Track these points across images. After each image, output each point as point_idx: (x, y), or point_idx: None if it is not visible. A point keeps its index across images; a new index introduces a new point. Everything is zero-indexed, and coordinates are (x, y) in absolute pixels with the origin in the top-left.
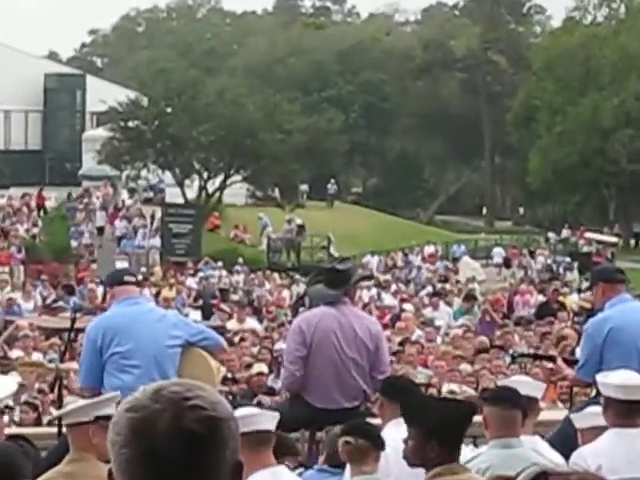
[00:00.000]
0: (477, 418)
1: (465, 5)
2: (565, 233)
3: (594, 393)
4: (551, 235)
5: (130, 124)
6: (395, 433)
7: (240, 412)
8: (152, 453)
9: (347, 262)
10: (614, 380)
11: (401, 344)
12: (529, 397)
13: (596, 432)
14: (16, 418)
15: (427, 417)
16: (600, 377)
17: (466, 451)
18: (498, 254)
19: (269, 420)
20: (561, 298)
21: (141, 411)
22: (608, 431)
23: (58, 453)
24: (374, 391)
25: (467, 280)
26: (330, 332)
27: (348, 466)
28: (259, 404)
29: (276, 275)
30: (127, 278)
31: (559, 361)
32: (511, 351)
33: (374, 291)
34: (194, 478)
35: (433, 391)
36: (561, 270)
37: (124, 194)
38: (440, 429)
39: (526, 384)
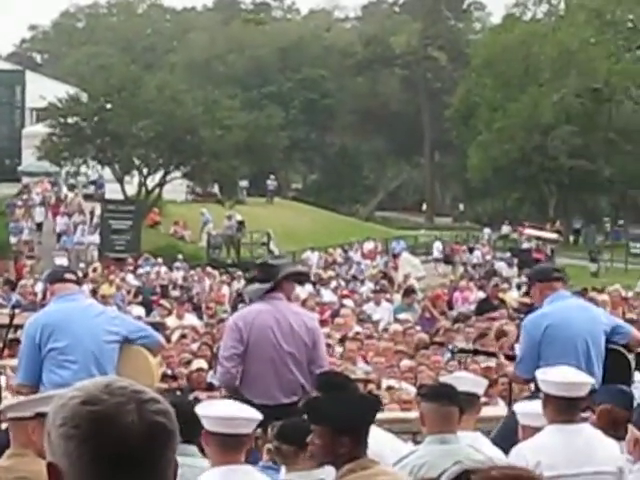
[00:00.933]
0: (416, 414)
1: (405, 2)
2: (505, 229)
3: (533, 388)
4: (487, 231)
5: (70, 120)
6: None
7: (216, 411)
8: (120, 445)
9: (282, 259)
10: (553, 377)
11: (341, 340)
12: (469, 393)
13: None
14: None
15: (336, 414)
16: (539, 374)
17: (405, 447)
18: (437, 249)
19: (251, 425)
20: (501, 294)
21: (101, 404)
22: (547, 427)
23: None
24: (312, 386)
25: (405, 276)
26: (267, 328)
27: (282, 467)
28: (196, 400)
29: (216, 272)
30: (67, 276)
31: (501, 358)
32: (450, 346)
33: (311, 288)
34: (156, 470)
35: (372, 387)
36: (501, 266)
37: (64, 190)
38: (351, 425)
39: (467, 380)
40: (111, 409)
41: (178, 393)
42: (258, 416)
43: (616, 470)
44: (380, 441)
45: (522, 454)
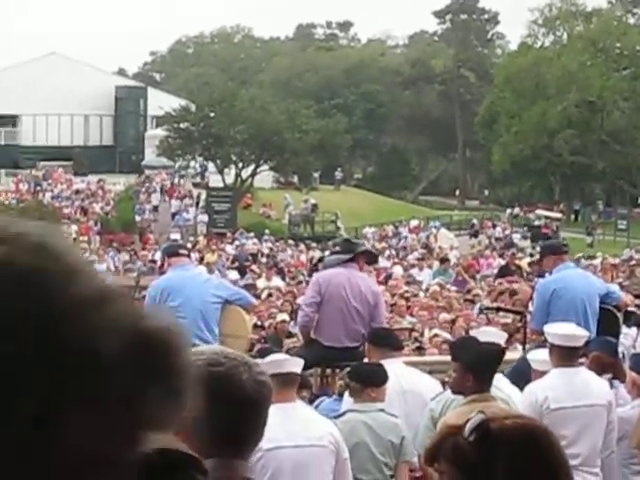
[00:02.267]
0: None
1: (442, 32)
2: (516, 210)
3: (543, 339)
4: (508, 211)
5: (181, 126)
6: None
7: (271, 357)
8: (241, 399)
9: (359, 240)
10: (557, 330)
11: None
12: (492, 343)
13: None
14: None
15: (466, 354)
16: (547, 328)
17: (438, 385)
18: (474, 225)
19: (294, 365)
20: (517, 261)
21: (223, 366)
22: (552, 370)
23: None
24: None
25: (442, 247)
26: (340, 287)
27: (346, 395)
28: (280, 344)
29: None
30: (181, 251)
31: (528, 317)
32: (479, 304)
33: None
34: (262, 413)
35: (416, 334)
36: (517, 239)
37: (177, 179)
38: (475, 365)
39: (491, 333)
40: (231, 370)
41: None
42: (300, 361)
43: (606, 403)
44: (420, 381)
45: (533, 391)
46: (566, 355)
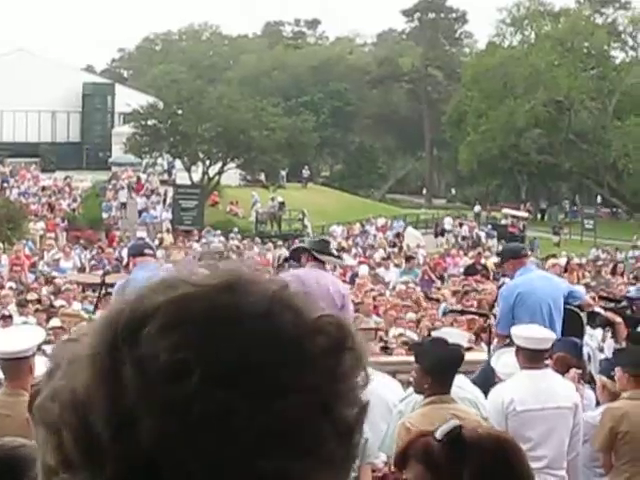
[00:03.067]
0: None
1: (411, 31)
2: (476, 209)
3: (507, 341)
4: (476, 208)
5: (149, 123)
6: None
7: None
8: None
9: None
10: (524, 333)
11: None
12: (455, 344)
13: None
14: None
15: (426, 358)
16: (513, 330)
17: (405, 390)
18: (448, 223)
19: None
20: (483, 261)
21: None
22: (518, 372)
23: None
24: None
25: (409, 246)
26: (307, 287)
27: None
28: None
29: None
30: (146, 251)
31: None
32: (443, 306)
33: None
34: None
35: (381, 334)
36: (484, 238)
37: (144, 177)
38: (434, 368)
39: (453, 334)
40: None
41: None
42: None
43: (572, 405)
44: (382, 382)
45: (499, 393)
46: (532, 357)
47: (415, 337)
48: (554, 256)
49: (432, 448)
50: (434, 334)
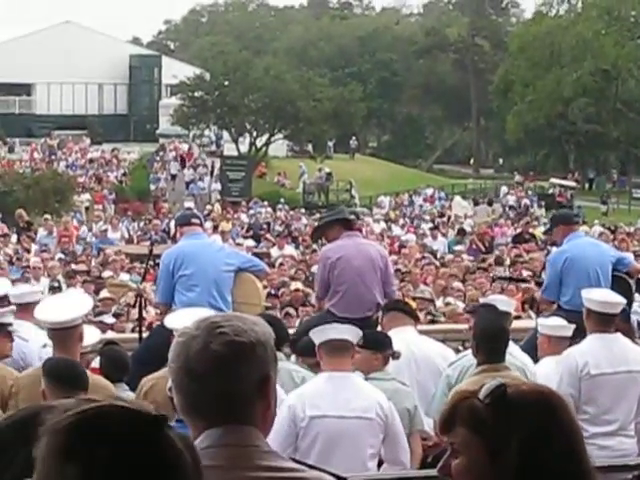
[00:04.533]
0: (465, 325)
1: (457, 1)
2: (517, 178)
3: (555, 307)
4: (517, 177)
5: (196, 94)
6: (396, 339)
7: (325, 327)
8: (187, 369)
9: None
10: (596, 297)
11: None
12: (504, 312)
13: (559, 341)
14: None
15: (475, 327)
16: (584, 293)
17: (453, 353)
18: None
19: (342, 332)
20: (531, 230)
21: (184, 336)
22: (590, 336)
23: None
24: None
25: (457, 215)
26: (350, 258)
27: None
28: (287, 315)
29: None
30: (193, 220)
31: (532, 284)
32: (492, 274)
33: (384, 224)
34: (220, 389)
35: (438, 304)
36: (531, 207)
37: (193, 148)
38: (482, 335)
39: (501, 302)
40: (186, 340)
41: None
42: (359, 331)
43: None
44: (432, 349)
45: (572, 356)
46: (604, 321)
47: (462, 306)
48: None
49: (477, 409)
50: (482, 301)
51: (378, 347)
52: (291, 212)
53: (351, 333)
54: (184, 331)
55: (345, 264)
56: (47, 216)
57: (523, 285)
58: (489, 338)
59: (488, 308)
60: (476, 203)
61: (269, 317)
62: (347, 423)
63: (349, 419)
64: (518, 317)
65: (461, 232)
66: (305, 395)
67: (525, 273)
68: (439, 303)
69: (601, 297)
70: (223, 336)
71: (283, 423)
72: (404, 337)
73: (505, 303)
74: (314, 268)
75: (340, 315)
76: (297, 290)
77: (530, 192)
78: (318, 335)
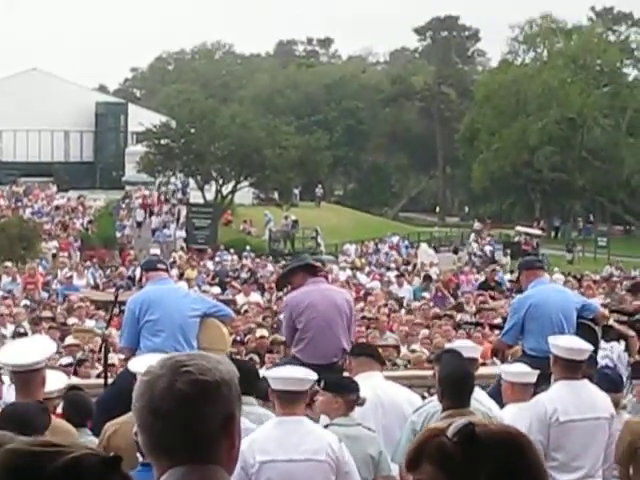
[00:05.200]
0: (430, 372)
1: (423, 49)
2: (477, 226)
3: (520, 353)
4: (476, 225)
5: (162, 142)
6: (364, 384)
7: (277, 373)
8: (151, 407)
9: (301, 256)
10: (563, 343)
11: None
12: (470, 358)
13: (523, 387)
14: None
15: (440, 371)
16: (552, 339)
17: (420, 399)
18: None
19: (298, 383)
20: (496, 278)
21: (148, 375)
22: (557, 382)
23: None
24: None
25: (422, 263)
26: (316, 305)
27: (322, 416)
28: (251, 360)
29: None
30: (159, 265)
31: (486, 328)
32: (458, 318)
33: (350, 272)
34: (184, 428)
35: (403, 351)
36: (496, 255)
37: (157, 196)
38: (447, 381)
39: (466, 348)
40: (151, 380)
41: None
42: (312, 376)
43: (609, 416)
44: (399, 394)
45: (541, 403)
46: (571, 368)
47: (427, 353)
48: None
49: (445, 446)
50: (447, 346)
51: (339, 390)
52: (257, 259)
53: (303, 380)
54: (148, 370)
55: (311, 310)
56: (8, 263)
57: (496, 332)
58: (454, 383)
59: (453, 354)
60: (440, 251)
61: (240, 362)
62: (297, 466)
63: (298, 462)
64: (484, 364)
65: (427, 279)
66: (255, 441)
67: (496, 320)
68: (404, 350)
69: (568, 344)
70: (188, 375)
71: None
72: (371, 382)
73: (471, 349)
74: (281, 315)
75: (306, 361)
76: (263, 337)
77: (495, 240)
78: (271, 381)
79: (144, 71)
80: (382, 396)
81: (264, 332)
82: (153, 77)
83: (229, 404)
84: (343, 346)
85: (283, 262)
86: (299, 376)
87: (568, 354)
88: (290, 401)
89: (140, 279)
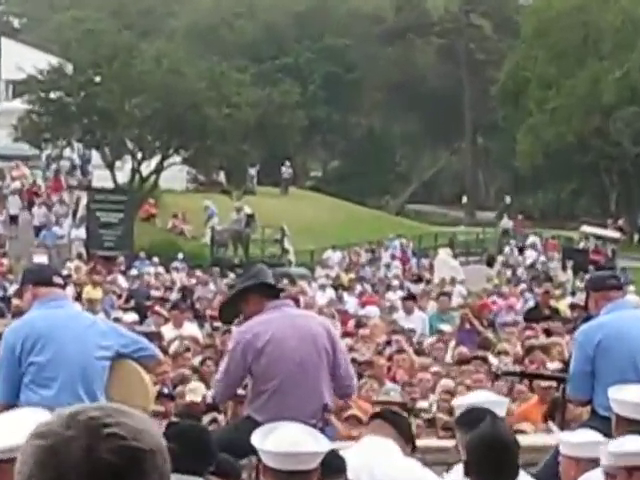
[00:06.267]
0: (453, 442)
1: None
2: (504, 223)
3: (587, 414)
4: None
5: (52, 95)
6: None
7: (277, 440)
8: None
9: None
10: (630, 397)
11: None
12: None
13: (592, 465)
14: None
15: (467, 443)
16: (612, 392)
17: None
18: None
19: (308, 460)
20: (553, 302)
21: (50, 438)
22: None
23: None
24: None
25: (443, 281)
26: (284, 339)
27: None
28: (214, 421)
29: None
30: (55, 280)
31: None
32: (494, 367)
33: (333, 293)
34: None
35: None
36: (554, 269)
37: (44, 177)
38: (474, 455)
39: (486, 403)
40: (56, 445)
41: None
42: (325, 445)
43: None
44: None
45: None
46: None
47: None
48: None
49: None
50: (457, 401)
51: (323, 472)
52: (193, 273)
53: (316, 454)
54: (44, 430)
55: (274, 348)
56: None
57: (543, 384)
58: (489, 456)
59: (486, 413)
60: (468, 262)
61: (186, 427)
62: None
63: None
64: (523, 431)
65: (446, 304)
66: None
67: (552, 366)
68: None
69: (633, 397)
70: (113, 439)
71: None
72: (372, 455)
73: (492, 404)
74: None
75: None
76: (194, 403)
77: (552, 245)
78: (266, 455)
79: None
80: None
81: (197, 392)
82: (38, 0)
83: None
84: (324, 401)
85: (232, 277)
86: (309, 448)
87: (633, 412)
88: None
89: (20, 295)
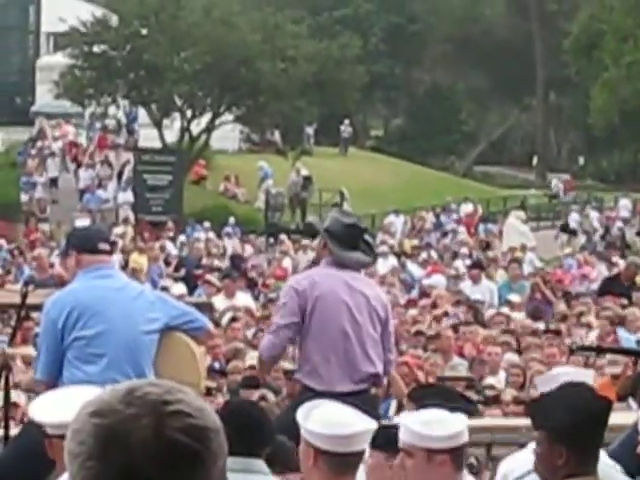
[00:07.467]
0: (525, 421)
1: None
2: (554, 183)
3: None
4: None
5: (95, 49)
6: None
7: (324, 423)
8: (128, 469)
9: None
10: None
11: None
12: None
13: None
14: None
15: (556, 416)
16: None
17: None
18: (574, 220)
19: (361, 439)
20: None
21: (110, 417)
22: None
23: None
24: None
25: (512, 248)
26: (337, 298)
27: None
28: (263, 399)
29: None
30: (102, 246)
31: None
32: (569, 341)
33: (395, 260)
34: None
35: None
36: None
37: (88, 136)
38: (570, 432)
39: (574, 374)
40: (121, 423)
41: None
42: (373, 424)
43: None
44: None
45: None
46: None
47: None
48: None
49: None
50: (541, 378)
51: (394, 447)
52: (246, 239)
53: (366, 432)
54: (103, 407)
55: (327, 305)
56: None
57: (622, 359)
58: (579, 435)
59: (568, 388)
60: (540, 227)
61: (244, 407)
62: None
63: None
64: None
65: (517, 272)
66: None
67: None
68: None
69: None
70: (180, 418)
71: None
72: None
73: (580, 374)
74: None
75: (319, 389)
76: (253, 368)
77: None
78: (314, 436)
79: None
80: None
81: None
82: None
83: (224, 464)
84: (376, 370)
85: (288, 243)
86: (359, 428)
87: None
88: (349, 465)
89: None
